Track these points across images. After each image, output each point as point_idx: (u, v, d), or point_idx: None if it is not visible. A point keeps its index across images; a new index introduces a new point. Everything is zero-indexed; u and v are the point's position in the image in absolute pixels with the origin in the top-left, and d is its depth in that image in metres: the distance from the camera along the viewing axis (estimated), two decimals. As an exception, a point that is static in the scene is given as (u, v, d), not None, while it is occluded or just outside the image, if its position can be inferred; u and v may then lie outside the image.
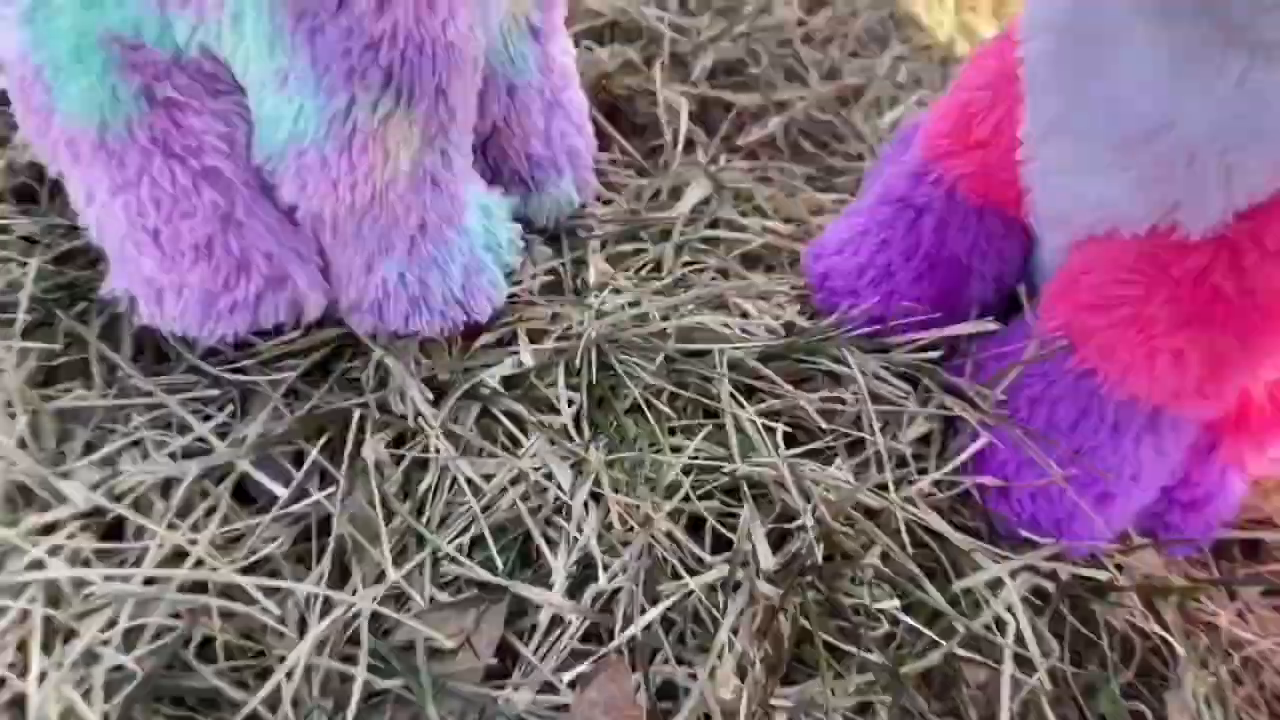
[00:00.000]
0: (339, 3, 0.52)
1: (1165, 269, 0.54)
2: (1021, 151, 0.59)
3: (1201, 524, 0.63)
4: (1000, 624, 0.58)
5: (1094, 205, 0.56)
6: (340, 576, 0.56)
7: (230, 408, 0.61)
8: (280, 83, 0.54)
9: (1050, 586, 0.59)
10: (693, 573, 0.57)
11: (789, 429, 0.63)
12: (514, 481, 0.59)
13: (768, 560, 0.57)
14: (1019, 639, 0.57)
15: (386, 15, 0.52)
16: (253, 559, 0.56)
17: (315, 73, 0.53)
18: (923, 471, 0.62)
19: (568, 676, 0.53)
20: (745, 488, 0.60)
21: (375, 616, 0.54)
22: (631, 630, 0.54)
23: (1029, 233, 0.64)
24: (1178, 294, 0.54)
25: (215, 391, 0.62)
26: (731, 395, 0.63)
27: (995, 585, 0.59)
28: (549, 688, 0.53)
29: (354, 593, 0.55)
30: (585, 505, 0.58)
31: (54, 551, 0.54)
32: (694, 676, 0.54)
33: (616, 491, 0.59)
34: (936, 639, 0.57)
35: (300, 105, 0.54)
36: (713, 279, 0.72)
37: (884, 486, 0.61)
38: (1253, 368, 0.56)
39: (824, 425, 0.63)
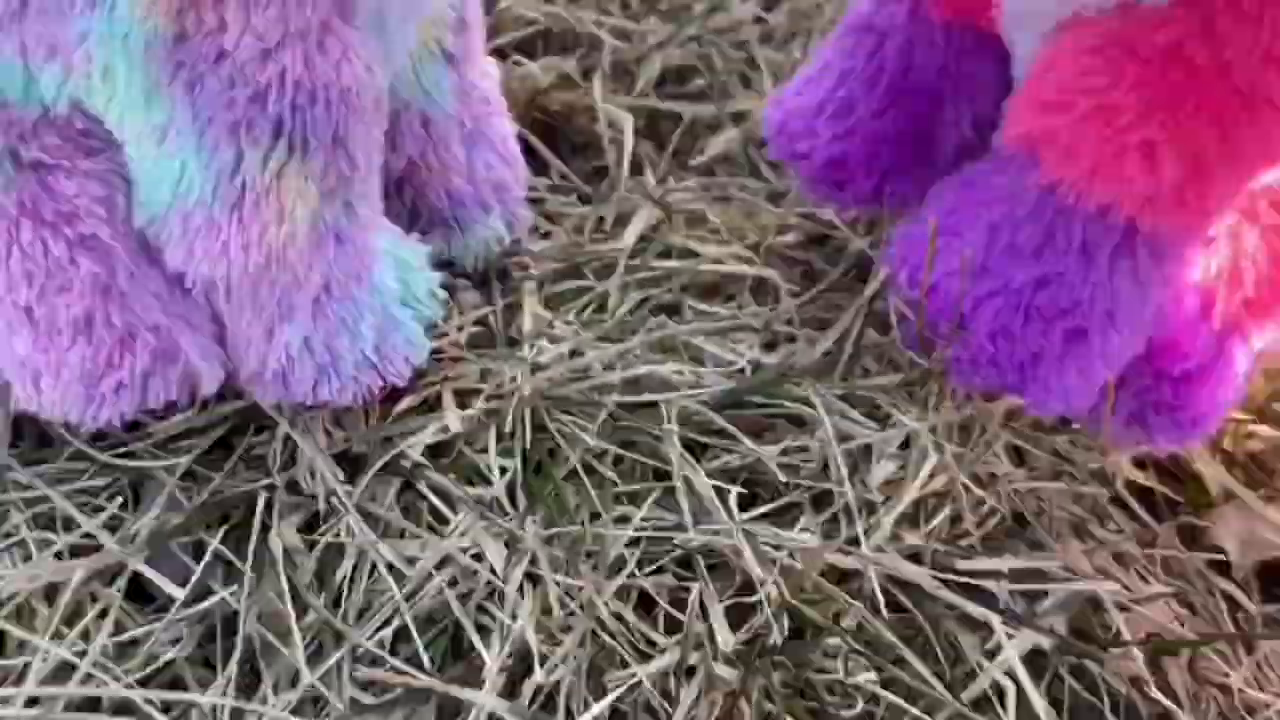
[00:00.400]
0: (218, 51, 0.53)
1: (1133, 50, 0.54)
2: None
3: (1201, 401, 0.62)
4: (999, 691, 0.58)
5: None
6: (250, 682, 0.57)
7: (121, 498, 0.62)
8: (160, 139, 0.55)
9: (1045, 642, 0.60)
10: (644, 658, 0.58)
11: (745, 490, 0.64)
12: (441, 565, 0.59)
13: (726, 639, 0.58)
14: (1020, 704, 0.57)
15: (272, 62, 0.53)
16: (151, 668, 0.56)
17: (197, 127, 0.54)
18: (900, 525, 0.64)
19: (506, 786, 0.54)
20: (699, 559, 0.61)
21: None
22: (575, 729, 0.55)
23: (1007, 54, 0.64)
24: (1146, 75, 0.54)
25: (104, 480, 0.62)
26: (682, 455, 0.64)
27: (984, 645, 0.60)
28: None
29: (265, 701, 0.56)
30: (521, 588, 0.59)
31: (-77, 674, 0.55)
32: (648, 778, 0.54)
33: (555, 571, 0.60)
34: (921, 716, 0.57)
35: (183, 163, 0.55)
36: (663, 318, 0.73)
37: (854, 541, 0.62)
38: (1236, 169, 0.56)
39: (785, 480, 0.64)
